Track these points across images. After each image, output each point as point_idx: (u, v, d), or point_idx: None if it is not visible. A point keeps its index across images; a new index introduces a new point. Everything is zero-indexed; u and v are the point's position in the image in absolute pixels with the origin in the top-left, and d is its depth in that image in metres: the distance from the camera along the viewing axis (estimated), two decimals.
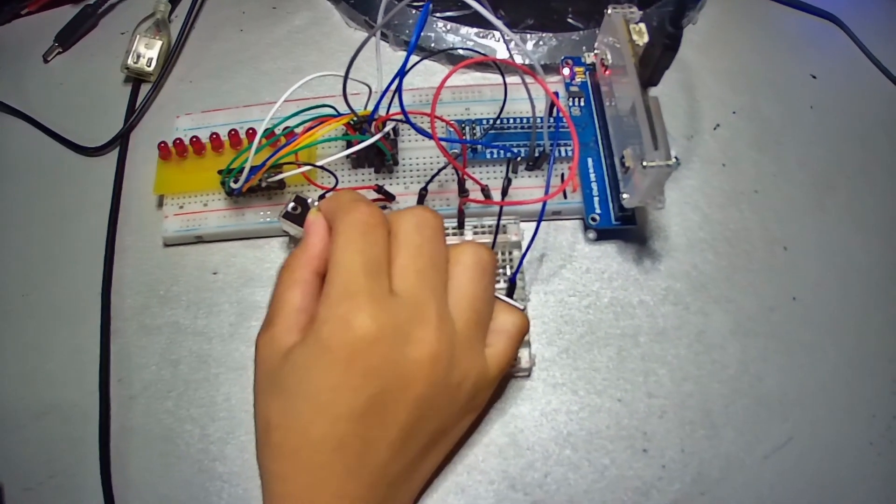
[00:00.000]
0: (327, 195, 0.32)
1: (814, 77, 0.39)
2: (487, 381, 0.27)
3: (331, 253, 0.25)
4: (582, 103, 0.35)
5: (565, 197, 0.33)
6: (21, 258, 0.35)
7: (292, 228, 0.31)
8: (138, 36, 0.38)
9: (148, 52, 0.38)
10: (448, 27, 0.38)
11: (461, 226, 0.32)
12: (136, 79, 0.39)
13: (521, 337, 0.29)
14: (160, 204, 0.35)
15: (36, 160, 0.37)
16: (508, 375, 0.31)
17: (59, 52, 0.40)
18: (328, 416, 0.23)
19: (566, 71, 0.36)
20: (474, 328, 0.26)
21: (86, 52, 0.40)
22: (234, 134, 0.34)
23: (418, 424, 0.25)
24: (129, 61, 0.38)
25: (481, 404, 0.29)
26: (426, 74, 0.38)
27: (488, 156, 0.34)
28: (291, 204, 0.30)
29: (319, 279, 0.26)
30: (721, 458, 0.30)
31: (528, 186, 0.34)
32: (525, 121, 0.35)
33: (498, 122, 0.34)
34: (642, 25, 0.31)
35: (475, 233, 0.32)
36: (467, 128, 0.35)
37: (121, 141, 0.37)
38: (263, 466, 0.25)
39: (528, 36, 0.38)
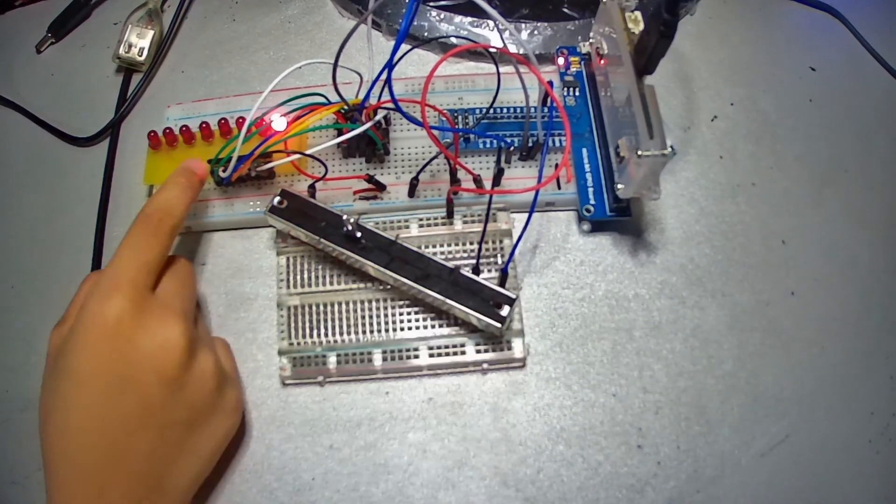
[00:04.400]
0: (316, 185, 0.32)
1: (813, 70, 0.39)
2: (225, 376, 0.28)
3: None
4: (577, 93, 0.35)
5: (559, 188, 0.33)
6: (9, 248, 0.35)
7: (278, 222, 0.30)
8: (130, 26, 0.38)
9: (140, 41, 0.38)
10: (441, 16, 0.37)
11: (450, 215, 0.32)
12: (127, 69, 0.39)
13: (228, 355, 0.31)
14: (150, 194, 0.34)
15: (27, 150, 0.37)
16: (502, 368, 0.31)
17: (51, 43, 0.40)
18: (87, 389, 0.25)
19: (561, 61, 0.35)
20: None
21: (78, 42, 0.40)
22: (224, 123, 0.33)
23: (165, 408, 0.26)
24: (121, 51, 0.38)
25: (234, 406, 0.28)
26: (419, 64, 0.38)
27: (481, 146, 0.33)
28: (277, 198, 0.30)
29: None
30: (717, 455, 0.29)
31: (521, 177, 0.33)
32: (518, 110, 0.34)
33: (491, 111, 0.34)
34: (638, 14, 0.30)
35: (464, 221, 0.32)
36: (460, 117, 0.34)
37: (112, 131, 0.37)
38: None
39: (523, 25, 0.37)
